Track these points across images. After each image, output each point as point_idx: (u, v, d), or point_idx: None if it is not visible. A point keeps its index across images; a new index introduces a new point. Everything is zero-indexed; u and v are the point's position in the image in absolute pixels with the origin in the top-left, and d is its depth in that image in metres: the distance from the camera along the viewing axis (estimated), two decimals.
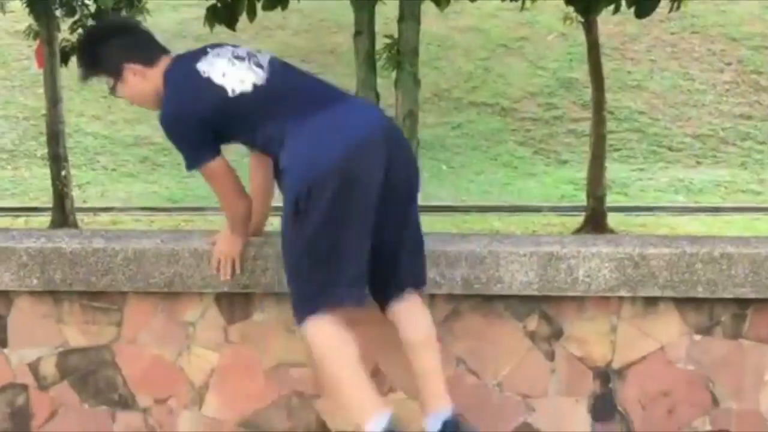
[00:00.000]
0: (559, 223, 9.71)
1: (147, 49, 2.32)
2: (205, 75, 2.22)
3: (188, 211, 9.27)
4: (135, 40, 2.34)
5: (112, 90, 2.33)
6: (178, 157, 2.39)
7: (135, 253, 2.48)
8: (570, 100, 14.13)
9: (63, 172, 7.14)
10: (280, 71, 2.29)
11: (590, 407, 2.53)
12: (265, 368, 2.56)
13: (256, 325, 2.56)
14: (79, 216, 8.03)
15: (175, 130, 2.24)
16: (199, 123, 2.20)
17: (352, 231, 2.07)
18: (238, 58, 2.27)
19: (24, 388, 2.58)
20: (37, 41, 7.68)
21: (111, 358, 2.57)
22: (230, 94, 2.20)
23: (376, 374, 2.53)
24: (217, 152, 2.26)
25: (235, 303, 2.55)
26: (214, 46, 2.35)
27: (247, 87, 2.21)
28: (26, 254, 2.48)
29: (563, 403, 2.54)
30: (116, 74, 2.28)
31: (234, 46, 2.36)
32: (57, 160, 7.20)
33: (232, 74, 2.22)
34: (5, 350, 2.57)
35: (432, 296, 2.50)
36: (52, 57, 7.17)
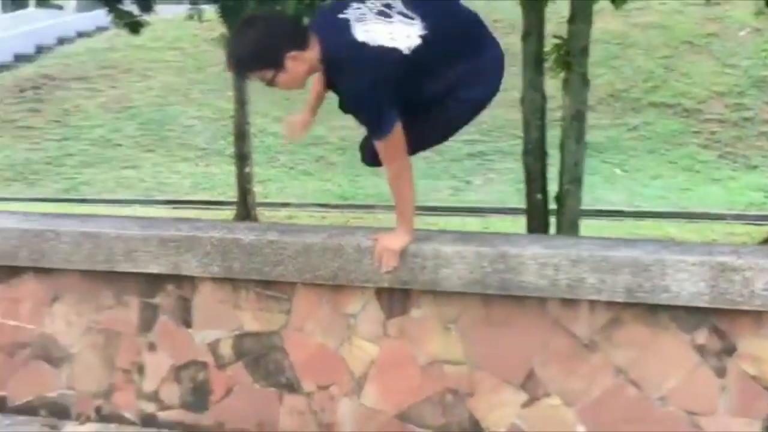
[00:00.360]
0: (744, 233, 9.00)
1: (299, 33, 2.39)
2: (376, 43, 2.29)
3: (358, 209, 9.62)
4: (287, 28, 2.42)
5: (270, 82, 2.38)
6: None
7: (304, 246, 2.64)
8: (763, 101, 13.03)
9: (247, 170, 7.69)
10: (429, 14, 2.38)
11: (765, 430, 2.35)
12: (421, 364, 2.63)
13: (413, 321, 2.63)
14: (260, 210, 8.58)
15: (368, 102, 2.34)
16: (387, 88, 2.31)
17: None
18: (383, 15, 2.35)
19: (204, 365, 2.83)
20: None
21: (280, 344, 2.75)
22: (406, 52, 2.31)
23: (530, 378, 2.52)
24: (398, 115, 2.37)
25: (394, 298, 2.63)
26: (336, 10, 2.40)
27: (415, 40, 2.32)
28: (210, 244, 2.72)
29: (734, 423, 2.38)
30: (279, 65, 2.34)
31: (354, 1, 2.40)
32: (242, 158, 7.77)
33: (396, 33, 2.32)
34: (190, 330, 2.84)
35: (591, 302, 2.44)
36: None
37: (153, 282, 2.83)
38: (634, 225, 9.44)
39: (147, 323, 2.87)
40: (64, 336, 2.94)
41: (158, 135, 12.61)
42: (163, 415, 2.89)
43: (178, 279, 2.80)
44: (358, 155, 2.78)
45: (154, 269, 2.78)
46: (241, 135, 7.85)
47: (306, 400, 2.75)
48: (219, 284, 2.77)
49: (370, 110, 2.36)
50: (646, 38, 14.79)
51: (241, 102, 7.87)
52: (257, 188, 9.18)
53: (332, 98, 2.53)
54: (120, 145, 12.18)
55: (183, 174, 11.18)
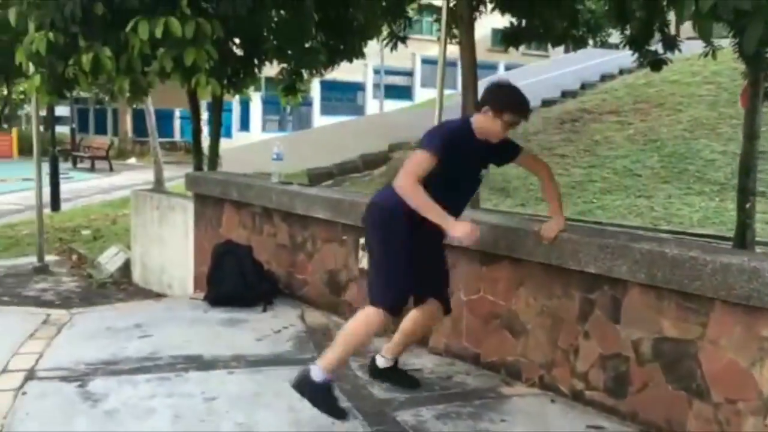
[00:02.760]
0: None
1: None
2: None
3: None
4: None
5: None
6: None
7: (722, 265, 2.86)
8: None
9: (747, 205, 7.44)
10: None
11: None
12: None
13: None
14: (759, 249, 8.13)
15: None
16: None
17: None
18: None
19: (627, 359, 3.26)
20: (744, 82, 8.19)
21: (694, 353, 3.01)
22: None
23: None
24: None
25: None
26: None
27: None
28: (639, 253, 3.14)
29: None
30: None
31: None
32: (745, 192, 7.55)
33: None
34: (617, 326, 3.30)
35: None
36: (755, 97, 7.57)
37: (592, 280, 3.37)
38: None
39: (584, 314, 3.43)
40: (524, 314, 3.71)
41: (678, 167, 12.78)
42: (588, 394, 3.41)
43: (612, 281, 3.29)
44: None
45: (592, 269, 3.33)
46: (746, 169, 7.63)
47: (713, 410, 2.95)
48: (645, 290, 3.17)
49: None
50: None
51: (750, 136, 7.65)
52: (760, 226, 8.65)
53: None
54: (639, 175, 12.75)
55: (695, 207, 11.16)
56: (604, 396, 3.35)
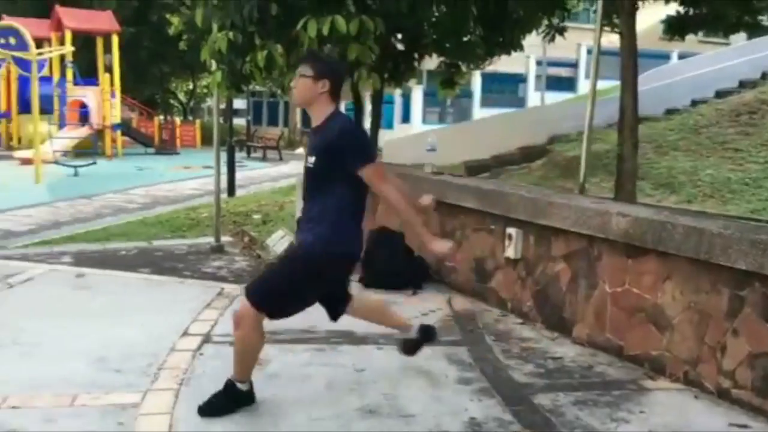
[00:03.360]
0: None
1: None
2: None
3: None
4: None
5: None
6: None
7: None
8: None
9: None
10: None
11: None
12: None
13: None
14: None
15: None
16: None
17: None
18: None
19: None
20: None
21: None
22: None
23: None
24: None
25: None
26: None
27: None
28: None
29: None
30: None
31: None
32: None
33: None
34: None
35: None
36: None
37: (742, 277, 3.29)
38: None
39: (733, 311, 3.35)
40: (670, 308, 3.67)
41: None
42: (735, 392, 3.34)
43: (764, 278, 3.20)
44: None
45: (742, 266, 3.25)
46: None
47: None
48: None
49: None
50: None
51: None
52: None
53: None
54: None
55: None
56: (751, 395, 3.27)
